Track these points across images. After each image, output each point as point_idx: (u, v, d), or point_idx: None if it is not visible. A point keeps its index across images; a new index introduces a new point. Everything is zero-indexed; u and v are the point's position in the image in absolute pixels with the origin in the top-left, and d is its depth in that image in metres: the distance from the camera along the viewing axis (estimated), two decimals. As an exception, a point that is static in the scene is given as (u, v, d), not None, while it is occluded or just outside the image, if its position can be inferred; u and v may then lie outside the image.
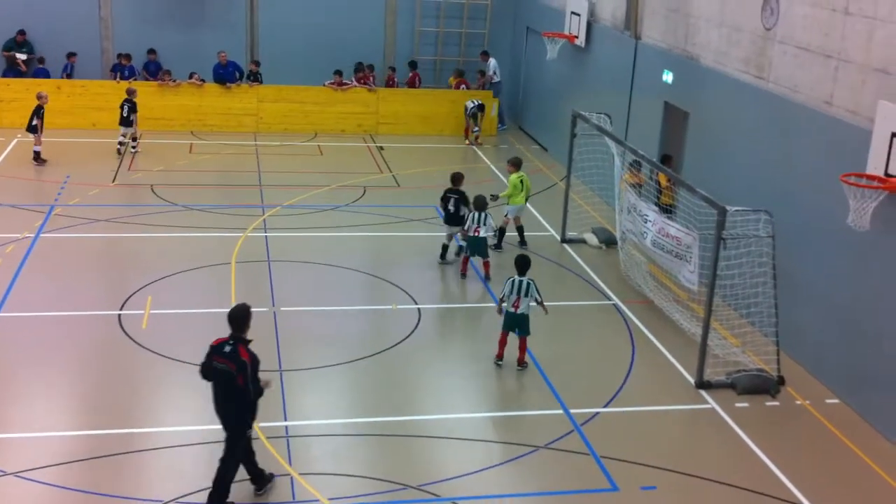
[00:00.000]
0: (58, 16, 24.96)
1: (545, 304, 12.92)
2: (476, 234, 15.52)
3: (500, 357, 12.95)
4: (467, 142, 24.85)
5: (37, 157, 20.75)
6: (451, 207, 16.12)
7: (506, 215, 17.12)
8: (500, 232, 17.13)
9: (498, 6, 27.36)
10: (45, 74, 24.33)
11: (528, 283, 12.69)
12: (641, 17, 19.07)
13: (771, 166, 14.18)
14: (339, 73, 25.21)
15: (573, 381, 12.71)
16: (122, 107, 21.91)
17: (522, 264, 12.88)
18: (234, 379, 9.21)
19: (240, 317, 9.45)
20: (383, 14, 26.95)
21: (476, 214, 15.54)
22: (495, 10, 27.37)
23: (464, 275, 15.83)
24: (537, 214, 17.85)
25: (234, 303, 14.14)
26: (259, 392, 9.44)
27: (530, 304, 12.73)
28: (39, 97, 21.07)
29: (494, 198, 16.86)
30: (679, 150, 17.29)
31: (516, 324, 12.82)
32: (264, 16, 26.16)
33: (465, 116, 24.96)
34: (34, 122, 20.67)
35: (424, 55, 27.39)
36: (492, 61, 26.44)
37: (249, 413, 9.48)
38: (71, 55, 24.60)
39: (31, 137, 20.89)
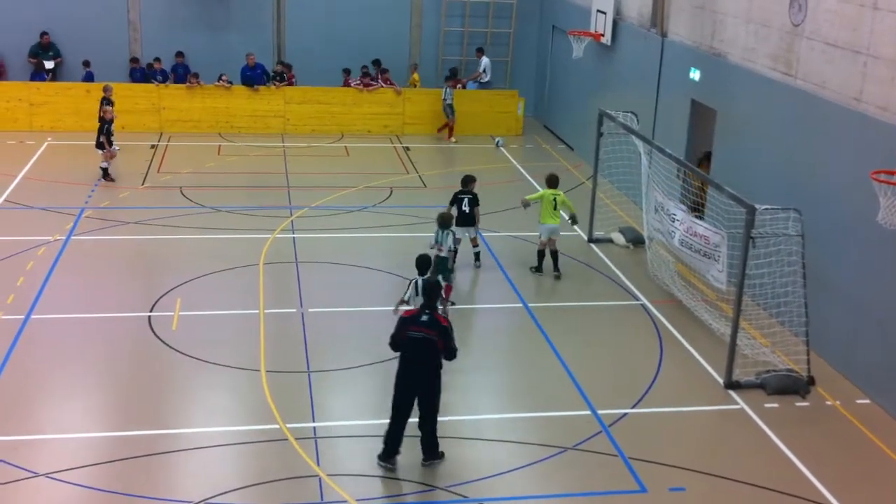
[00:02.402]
0: (86, 19, 25.17)
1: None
2: (439, 252, 14.51)
3: None
4: (446, 139, 24.80)
5: (105, 173, 20.17)
6: (465, 208, 15.91)
7: (540, 236, 16.09)
8: (539, 255, 16.15)
9: (523, 5, 27.28)
10: (90, 78, 24.58)
11: None
12: (668, 14, 18.97)
13: (800, 164, 14.06)
14: (367, 69, 25.44)
15: (601, 381, 12.67)
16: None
17: (422, 264, 12.58)
18: (435, 344, 10.12)
19: (435, 289, 10.56)
20: (409, 14, 26.97)
21: (439, 233, 14.59)
22: (521, 9, 27.30)
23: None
24: (564, 214, 17.76)
25: (263, 304, 14.34)
26: (456, 351, 10.35)
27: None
28: (104, 111, 20.30)
29: (526, 205, 16.43)
30: (707, 149, 17.17)
31: None
32: (291, 18, 26.25)
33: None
34: (101, 139, 20.09)
35: (450, 55, 27.38)
36: (484, 59, 26.41)
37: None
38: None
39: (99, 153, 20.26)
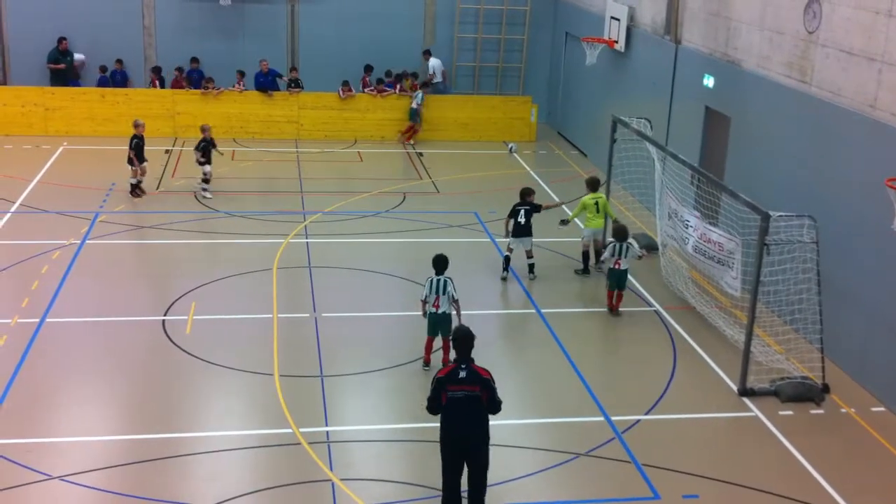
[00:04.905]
0: (101, 25, 25.36)
1: (461, 309, 12.60)
2: (617, 266, 14.66)
3: (427, 362, 12.71)
4: (404, 142, 24.85)
5: (133, 189, 19.52)
6: (520, 220, 15.82)
7: (583, 239, 16.41)
8: (584, 256, 16.35)
9: (537, 12, 27.33)
10: (105, 83, 24.85)
11: (446, 282, 12.44)
12: (682, 21, 18.96)
13: (814, 171, 14.02)
14: (384, 77, 25.56)
15: (614, 387, 12.65)
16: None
17: (440, 263, 12.53)
18: (479, 400, 9.26)
19: (469, 340, 9.40)
20: (422, 21, 27.05)
21: (617, 245, 14.74)
22: (534, 16, 27.34)
23: (615, 311, 14.81)
24: (577, 221, 17.73)
25: (277, 309, 14.37)
26: (500, 404, 9.46)
27: (450, 303, 12.45)
28: (136, 126, 19.70)
29: (564, 223, 16.60)
30: (721, 156, 17.14)
31: (439, 324, 12.48)
32: (305, 24, 26.38)
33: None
34: (130, 155, 19.29)
35: (463, 61, 27.43)
36: (433, 61, 26.36)
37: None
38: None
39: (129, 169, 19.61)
